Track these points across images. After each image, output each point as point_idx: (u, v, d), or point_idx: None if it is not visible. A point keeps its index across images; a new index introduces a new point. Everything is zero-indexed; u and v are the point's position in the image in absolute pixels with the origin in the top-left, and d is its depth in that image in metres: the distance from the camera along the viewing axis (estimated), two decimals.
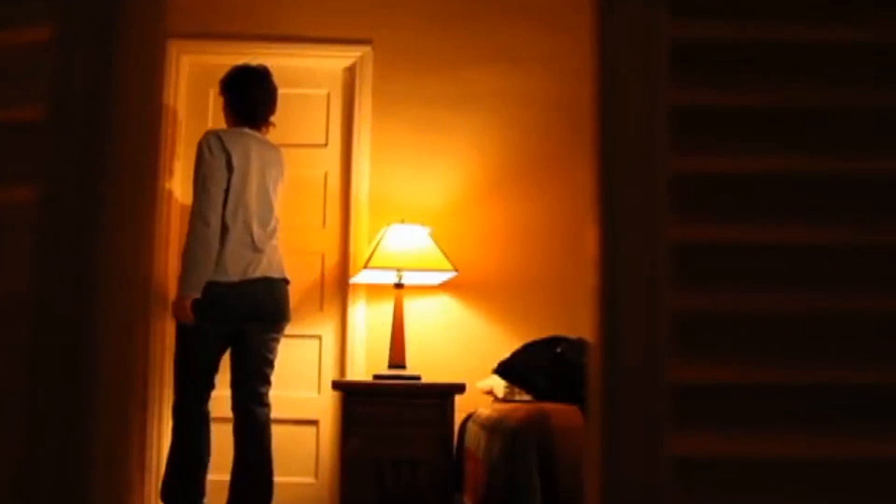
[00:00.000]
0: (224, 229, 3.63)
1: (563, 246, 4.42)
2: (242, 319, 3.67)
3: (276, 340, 3.82)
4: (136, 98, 1.01)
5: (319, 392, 4.42)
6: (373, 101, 4.54)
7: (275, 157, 3.89)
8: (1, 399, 0.96)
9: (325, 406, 4.40)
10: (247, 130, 3.82)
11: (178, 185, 4.38)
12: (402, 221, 4.16)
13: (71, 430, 0.94)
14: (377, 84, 4.55)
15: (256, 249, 3.69)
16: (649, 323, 0.98)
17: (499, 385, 3.89)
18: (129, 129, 1.00)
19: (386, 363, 4.03)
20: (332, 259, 4.51)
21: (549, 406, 3.24)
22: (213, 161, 3.64)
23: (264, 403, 3.75)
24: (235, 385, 3.74)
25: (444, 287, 4.41)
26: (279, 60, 4.57)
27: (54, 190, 0.98)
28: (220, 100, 3.96)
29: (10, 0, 1.03)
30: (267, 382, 3.78)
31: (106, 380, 0.96)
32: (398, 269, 4.04)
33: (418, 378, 3.94)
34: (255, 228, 3.70)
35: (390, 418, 3.80)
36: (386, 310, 4.29)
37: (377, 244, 4.06)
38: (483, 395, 4.08)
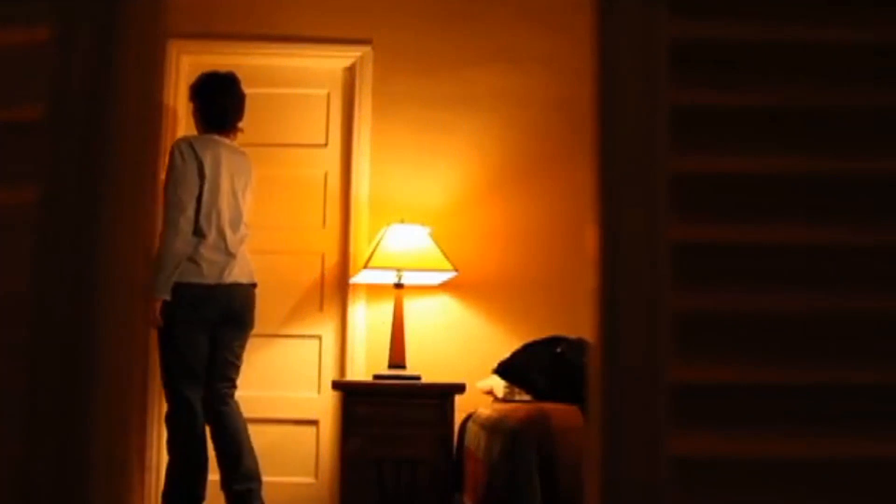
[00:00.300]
0: (200, 234, 3.70)
1: (563, 246, 4.42)
2: (217, 322, 3.75)
3: (243, 346, 3.91)
4: (136, 98, 1.01)
5: (319, 392, 4.42)
6: (373, 101, 4.54)
7: (244, 164, 3.95)
8: (1, 399, 0.96)
9: (325, 406, 4.40)
10: (216, 137, 3.87)
11: None
12: (402, 221, 4.16)
13: (71, 430, 0.94)
14: (377, 84, 4.55)
15: (230, 254, 3.77)
16: (649, 323, 0.98)
17: (499, 385, 3.89)
18: (129, 129, 1.00)
19: (386, 363, 4.03)
20: (332, 259, 4.51)
21: (549, 406, 3.24)
22: (184, 168, 3.70)
23: (229, 402, 3.82)
24: (203, 387, 3.80)
25: (444, 287, 4.41)
26: (279, 60, 4.58)
27: (54, 190, 0.98)
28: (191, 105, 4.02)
29: (9, 0, 1.03)
30: (234, 385, 3.86)
31: (106, 380, 0.96)
32: (398, 269, 4.04)
33: (418, 378, 3.94)
34: (228, 234, 3.78)
35: (390, 418, 3.80)
36: (386, 310, 4.29)
37: (377, 244, 4.06)
38: (483, 395, 4.08)
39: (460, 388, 3.85)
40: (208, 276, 3.69)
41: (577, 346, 3.68)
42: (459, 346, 4.40)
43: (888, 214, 1.02)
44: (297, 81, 4.59)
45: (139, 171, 1.02)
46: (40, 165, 0.98)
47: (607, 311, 0.99)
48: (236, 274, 3.79)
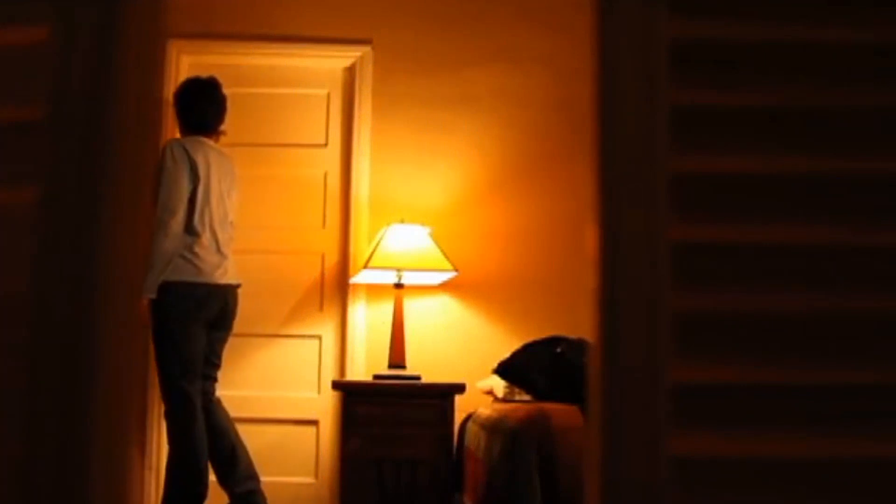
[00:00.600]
0: (195, 233, 3.74)
1: (563, 246, 4.42)
2: (212, 321, 3.81)
3: (224, 346, 3.96)
4: (136, 98, 1.01)
5: (319, 392, 4.41)
6: (373, 101, 4.54)
7: (229, 165, 4.01)
8: (1, 399, 0.96)
9: (325, 406, 4.40)
10: (203, 139, 3.92)
11: None
12: (402, 221, 4.16)
13: (71, 430, 0.94)
14: (377, 84, 4.55)
15: (222, 254, 3.84)
16: (649, 323, 0.98)
17: (499, 385, 3.89)
18: (129, 129, 1.00)
19: (386, 363, 4.03)
20: (332, 259, 4.51)
21: (549, 406, 3.24)
22: (176, 169, 3.74)
23: (214, 401, 3.89)
24: None
25: (444, 287, 4.41)
26: (279, 60, 4.58)
27: (54, 190, 0.98)
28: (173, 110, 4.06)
29: (9, 0, 1.03)
30: (216, 382, 3.92)
31: (106, 380, 0.96)
32: (398, 269, 4.03)
33: (418, 378, 3.94)
34: (220, 234, 3.84)
35: (390, 418, 3.80)
36: (386, 310, 4.29)
37: (377, 244, 4.06)
38: (483, 395, 4.08)
39: (460, 388, 3.85)
40: (207, 275, 3.74)
41: (577, 346, 3.68)
42: (459, 346, 4.40)
43: (888, 214, 1.02)
44: (297, 81, 4.59)
45: (139, 171, 1.02)
46: (40, 165, 0.98)
47: (607, 311, 0.99)
48: (230, 275, 3.85)
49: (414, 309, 4.36)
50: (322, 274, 4.50)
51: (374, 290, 4.38)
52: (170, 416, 3.76)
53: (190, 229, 3.73)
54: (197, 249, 3.72)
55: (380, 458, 3.81)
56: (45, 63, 1.00)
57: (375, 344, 4.35)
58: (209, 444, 3.79)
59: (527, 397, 3.72)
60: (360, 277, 4.22)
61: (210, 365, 3.88)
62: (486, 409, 3.76)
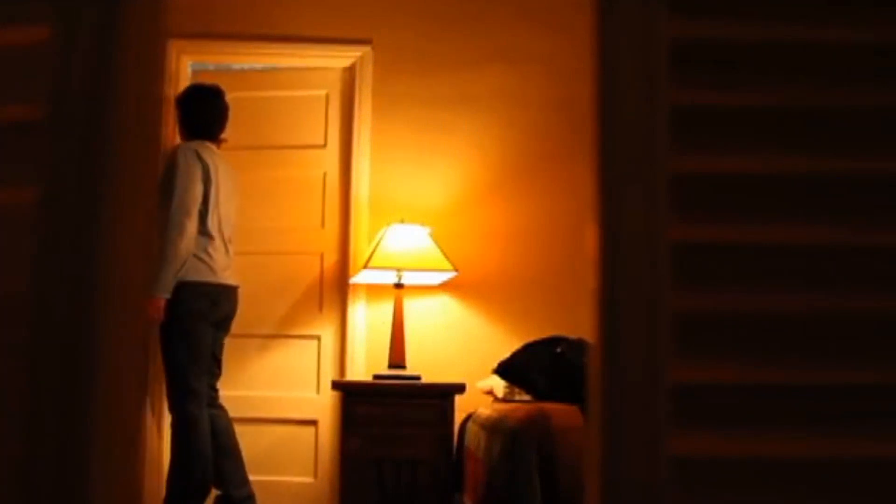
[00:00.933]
0: (208, 235, 3.82)
1: (563, 246, 4.42)
2: (219, 321, 3.90)
3: (223, 348, 4.04)
4: (136, 98, 1.01)
5: (319, 392, 4.41)
6: (373, 102, 4.54)
7: (232, 171, 4.08)
8: (1, 399, 0.96)
9: (324, 406, 4.40)
10: (209, 144, 3.99)
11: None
12: (402, 221, 4.16)
13: (71, 430, 0.94)
14: (377, 84, 4.55)
15: (229, 256, 3.95)
16: (649, 323, 0.98)
17: (499, 385, 3.89)
18: (129, 129, 1.00)
19: (386, 363, 4.03)
20: (332, 259, 4.51)
21: (549, 406, 3.24)
22: (189, 171, 3.80)
23: (218, 405, 3.95)
24: None
25: (444, 287, 4.41)
26: (279, 60, 4.58)
27: (54, 190, 0.98)
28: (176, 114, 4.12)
29: (9, 0, 1.03)
30: (218, 380, 3.98)
31: (106, 380, 0.96)
32: (398, 269, 4.04)
33: (418, 378, 3.94)
34: (227, 236, 3.95)
35: (390, 418, 3.80)
36: (386, 310, 4.29)
37: (377, 244, 4.06)
38: (483, 395, 4.08)
39: (460, 388, 3.85)
40: (219, 276, 3.84)
41: (577, 346, 3.68)
42: (459, 346, 4.40)
43: (888, 214, 1.02)
44: (296, 82, 4.59)
45: (139, 171, 1.02)
46: (40, 165, 0.98)
47: (607, 311, 0.99)
48: (234, 277, 3.95)
49: (414, 309, 4.36)
50: (321, 274, 4.50)
51: (373, 290, 4.38)
52: (176, 412, 3.78)
53: (203, 230, 3.81)
54: (211, 250, 3.81)
55: (380, 458, 3.81)
56: (45, 63, 1.00)
57: (375, 344, 4.35)
58: (215, 444, 3.85)
59: (527, 397, 3.72)
60: (360, 277, 4.22)
61: (217, 363, 3.96)
62: (486, 409, 3.76)
